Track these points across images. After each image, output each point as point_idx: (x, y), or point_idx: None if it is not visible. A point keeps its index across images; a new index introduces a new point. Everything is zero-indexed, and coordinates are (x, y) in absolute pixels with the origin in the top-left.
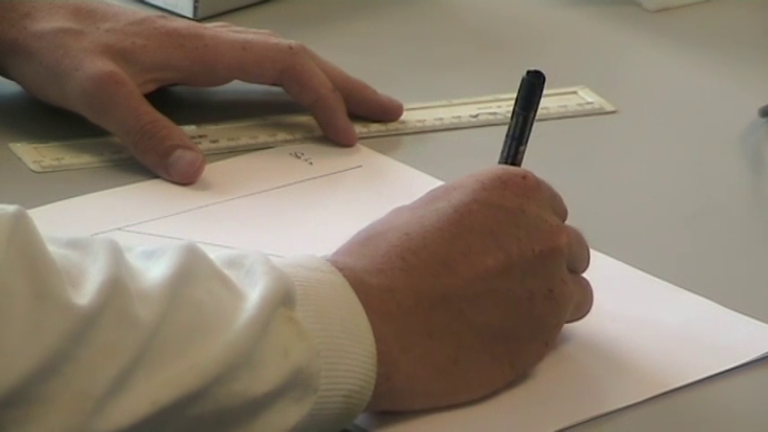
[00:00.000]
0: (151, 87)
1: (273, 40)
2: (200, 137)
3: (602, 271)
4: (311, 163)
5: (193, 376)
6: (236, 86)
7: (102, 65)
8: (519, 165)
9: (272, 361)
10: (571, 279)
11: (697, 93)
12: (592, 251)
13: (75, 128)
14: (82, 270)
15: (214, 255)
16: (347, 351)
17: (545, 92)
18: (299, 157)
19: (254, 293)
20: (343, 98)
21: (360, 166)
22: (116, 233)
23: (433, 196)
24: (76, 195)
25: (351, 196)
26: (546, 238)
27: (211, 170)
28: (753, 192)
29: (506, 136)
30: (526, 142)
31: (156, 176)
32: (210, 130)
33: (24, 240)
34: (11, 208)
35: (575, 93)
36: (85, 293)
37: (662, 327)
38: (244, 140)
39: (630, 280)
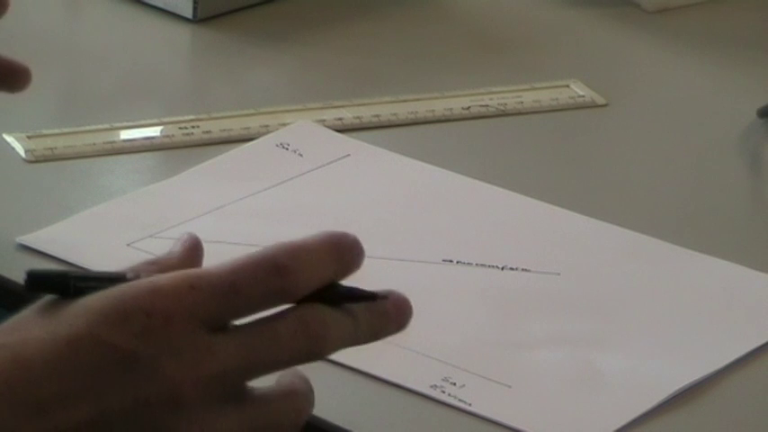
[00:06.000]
0: None
1: None
2: (193, 127)
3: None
4: (301, 155)
5: None
6: (228, 77)
7: None
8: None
9: None
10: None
11: (696, 93)
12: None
13: (68, 117)
14: None
15: None
16: None
17: (538, 84)
18: (287, 149)
19: None
20: None
21: (348, 155)
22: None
23: (65, 311)
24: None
25: (348, 188)
26: (157, 391)
27: (207, 169)
28: (751, 192)
29: None
30: None
31: (152, 182)
32: (203, 120)
33: None
34: None
35: (567, 86)
36: None
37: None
38: (236, 131)
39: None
